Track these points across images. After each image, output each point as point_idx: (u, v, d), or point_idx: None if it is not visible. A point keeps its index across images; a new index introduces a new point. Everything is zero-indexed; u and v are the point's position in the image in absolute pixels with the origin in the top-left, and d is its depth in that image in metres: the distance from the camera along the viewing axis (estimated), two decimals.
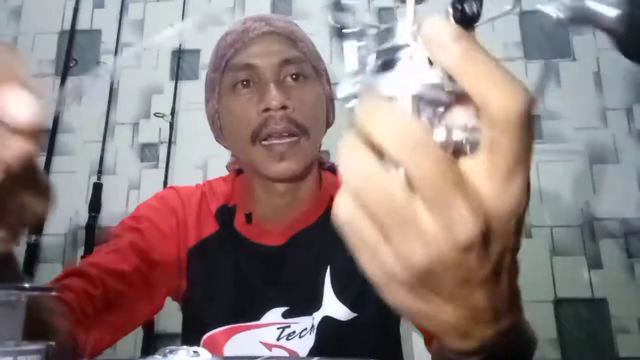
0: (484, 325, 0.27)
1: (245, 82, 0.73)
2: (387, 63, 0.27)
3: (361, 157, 0.24)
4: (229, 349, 0.74)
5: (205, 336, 0.75)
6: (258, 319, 0.74)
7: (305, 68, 0.75)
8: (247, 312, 0.74)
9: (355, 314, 0.73)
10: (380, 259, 0.25)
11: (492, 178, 0.24)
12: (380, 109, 0.24)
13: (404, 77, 0.26)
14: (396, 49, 0.27)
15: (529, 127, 0.24)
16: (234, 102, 0.74)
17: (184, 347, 0.33)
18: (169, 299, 0.81)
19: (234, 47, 0.75)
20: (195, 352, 0.33)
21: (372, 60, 0.28)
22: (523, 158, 0.24)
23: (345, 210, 0.25)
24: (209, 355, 0.33)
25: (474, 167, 0.25)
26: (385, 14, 1.78)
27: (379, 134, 0.24)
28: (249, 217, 0.80)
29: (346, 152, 0.25)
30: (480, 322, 0.27)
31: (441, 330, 0.28)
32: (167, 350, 0.33)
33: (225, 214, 0.81)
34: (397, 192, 0.24)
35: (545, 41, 1.71)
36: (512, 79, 0.24)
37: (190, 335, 0.79)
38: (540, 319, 1.47)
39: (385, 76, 0.26)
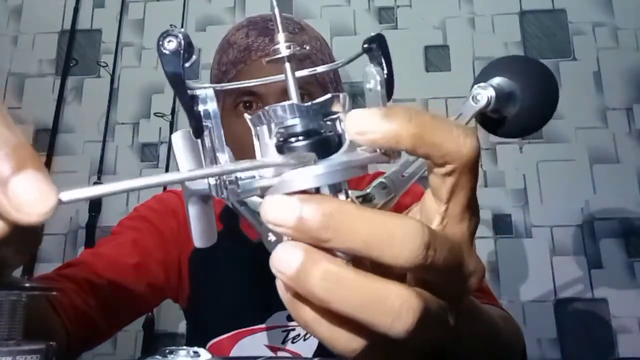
0: None
1: (247, 104, 0.72)
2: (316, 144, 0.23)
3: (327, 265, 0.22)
4: (234, 355, 0.73)
5: (210, 343, 0.75)
6: (263, 322, 0.73)
7: (310, 89, 0.73)
8: (252, 314, 0.74)
9: None
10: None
11: (451, 219, 0.26)
12: (344, 215, 0.22)
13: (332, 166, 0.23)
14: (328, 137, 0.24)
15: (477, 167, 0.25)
16: (236, 124, 0.72)
17: (184, 347, 0.33)
18: (169, 300, 0.81)
19: (235, 67, 0.73)
20: (195, 352, 0.33)
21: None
22: (474, 198, 0.26)
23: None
24: (209, 355, 0.33)
25: (431, 214, 0.26)
26: (385, 14, 1.78)
27: (352, 244, 0.22)
28: None
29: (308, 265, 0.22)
30: None
31: None
32: (167, 351, 0.33)
33: (230, 215, 0.81)
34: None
35: (545, 41, 1.71)
36: (459, 124, 0.24)
37: (195, 343, 0.78)
38: (540, 319, 1.47)
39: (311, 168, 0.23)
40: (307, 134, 0.24)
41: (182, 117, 1.73)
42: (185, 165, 0.26)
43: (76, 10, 1.84)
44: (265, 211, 0.22)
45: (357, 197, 0.26)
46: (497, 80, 0.32)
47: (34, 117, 1.78)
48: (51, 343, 0.30)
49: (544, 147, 1.60)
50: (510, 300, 1.48)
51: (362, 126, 0.23)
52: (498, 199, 1.57)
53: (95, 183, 1.65)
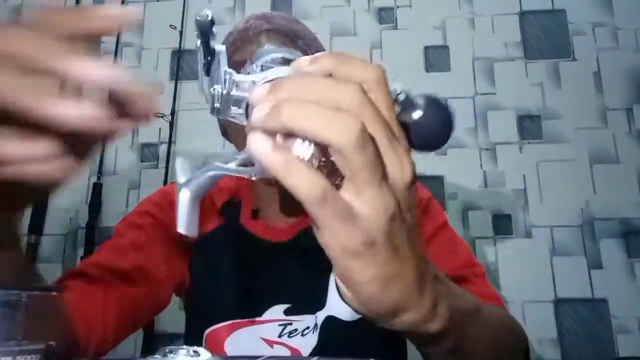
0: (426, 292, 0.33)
1: None
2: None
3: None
4: (230, 345, 0.74)
5: (207, 331, 0.75)
6: (260, 315, 0.74)
7: None
8: (249, 307, 0.74)
9: (361, 315, 0.73)
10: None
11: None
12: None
13: None
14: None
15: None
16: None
17: (184, 347, 0.33)
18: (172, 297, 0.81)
19: (234, 45, 0.76)
20: (195, 352, 0.33)
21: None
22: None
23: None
24: (208, 355, 0.33)
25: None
26: (385, 14, 1.78)
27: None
28: (255, 213, 0.80)
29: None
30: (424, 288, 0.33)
31: (402, 305, 0.33)
32: (167, 350, 0.33)
33: (231, 209, 0.81)
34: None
35: (545, 41, 1.70)
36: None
37: (193, 332, 0.79)
38: (540, 319, 1.47)
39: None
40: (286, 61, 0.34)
41: (183, 117, 1.73)
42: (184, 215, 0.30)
43: None
44: (252, 93, 0.30)
45: None
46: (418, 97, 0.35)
47: None
48: (51, 343, 0.30)
49: (543, 147, 1.60)
50: (510, 300, 1.48)
51: (300, 66, 0.32)
52: (498, 199, 1.57)
53: (95, 183, 1.64)
